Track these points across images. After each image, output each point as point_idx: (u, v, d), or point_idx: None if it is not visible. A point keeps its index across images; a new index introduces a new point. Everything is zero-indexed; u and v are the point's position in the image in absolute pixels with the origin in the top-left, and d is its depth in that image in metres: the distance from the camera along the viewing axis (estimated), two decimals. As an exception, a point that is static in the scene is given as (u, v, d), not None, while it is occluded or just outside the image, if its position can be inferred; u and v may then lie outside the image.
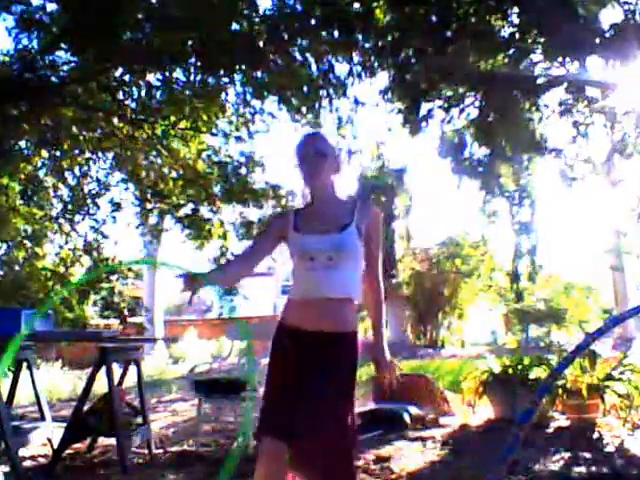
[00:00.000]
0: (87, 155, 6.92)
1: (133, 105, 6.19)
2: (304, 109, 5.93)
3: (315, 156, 2.34)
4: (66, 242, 7.47)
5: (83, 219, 7.22)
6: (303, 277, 2.30)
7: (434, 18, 5.23)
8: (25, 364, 4.04)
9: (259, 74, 5.60)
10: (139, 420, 4.00)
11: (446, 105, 6.40)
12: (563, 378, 4.37)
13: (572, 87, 5.68)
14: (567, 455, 3.60)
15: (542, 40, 5.30)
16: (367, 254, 2.34)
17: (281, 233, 2.40)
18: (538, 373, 4.69)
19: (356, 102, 5.94)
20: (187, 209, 7.33)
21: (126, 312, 7.89)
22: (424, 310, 14.65)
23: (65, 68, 5.73)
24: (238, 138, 6.88)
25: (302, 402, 2.12)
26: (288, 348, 2.26)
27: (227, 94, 6.13)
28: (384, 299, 2.40)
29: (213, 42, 4.94)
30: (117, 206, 7.13)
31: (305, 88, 5.63)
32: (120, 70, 5.76)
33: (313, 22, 5.36)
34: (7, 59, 5.77)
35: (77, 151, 6.69)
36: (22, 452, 3.87)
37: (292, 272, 2.38)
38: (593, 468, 3.30)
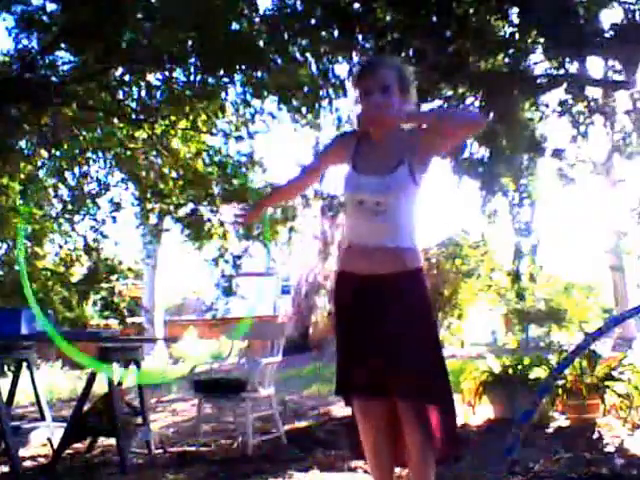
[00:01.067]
0: (87, 155, 6.92)
1: (133, 105, 6.19)
2: (304, 109, 5.93)
3: (380, 94, 2.10)
4: (65, 242, 7.48)
5: (83, 219, 7.22)
6: (353, 221, 2.19)
7: (434, 18, 5.23)
8: (25, 364, 4.03)
9: (259, 74, 5.60)
10: (139, 420, 3.99)
11: (446, 105, 6.39)
12: (563, 378, 4.37)
13: (572, 87, 5.68)
14: (567, 455, 3.59)
15: (542, 40, 5.30)
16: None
17: (342, 156, 2.22)
18: (538, 373, 4.69)
19: (356, 102, 5.93)
20: (187, 209, 7.34)
21: (125, 312, 7.88)
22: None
23: (65, 68, 5.74)
24: (238, 138, 6.88)
25: (378, 351, 2.04)
26: (348, 298, 2.17)
27: (227, 94, 6.14)
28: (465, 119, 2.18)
29: (213, 42, 4.94)
30: (117, 206, 7.13)
31: (305, 88, 5.63)
32: (120, 70, 5.77)
33: (313, 22, 5.36)
34: (7, 59, 5.78)
35: (77, 151, 6.69)
36: (22, 452, 3.86)
37: (345, 210, 2.29)
38: (593, 468, 3.29)
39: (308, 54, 5.52)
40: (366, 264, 2.11)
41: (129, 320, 7.96)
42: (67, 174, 7.09)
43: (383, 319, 2.07)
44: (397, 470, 3.42)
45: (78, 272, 7.81)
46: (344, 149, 2.24)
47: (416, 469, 2.13)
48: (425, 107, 6.34)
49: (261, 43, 5.30)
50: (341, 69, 5.69)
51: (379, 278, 2.09)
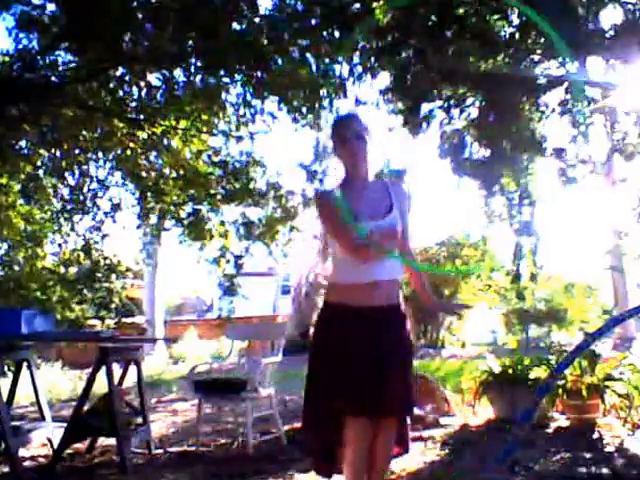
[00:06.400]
0: (87, 155, 6.91)
1: (133, 105, 6.19)
2: (304, 109, 5.92)
3: (357, 141, 2.38)
4: (65, 242, 7.46)
5: (81, 219, 7.21)
6: (352, 262, 2.34)
7: (434, 18, 5.23)
8: (25, 364, 4.03)
9: (259, 74, 5.59)
10: (139, 420, 4.00)
11: (446, 105, 6.41)
12: (563, 378, 4.37)
13: (572, 87, 5.69)
14: (567, 455, 3.59)
15: (542, 40, 5.30)
16: (402, 229, 2.43)
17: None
18: (538, 373, 4.68)
19: (357, 102, 5.93)
20: (187, 209, 7.33)
21: (121, 312, 7.85)
22: (424, 310, 14.61)
23: (65, 68, 5.73)
24: (238, 138, 6.88)
25: (377, 375, 2.27)
26: (343, 325, 2.35)
27: (227, 94, 6.13)
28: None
29: (213, 42, 4.93)
30: (116, 208, 7.12)
31: (305, 88, 5.63)
32: (120, 70, 5.76)
33: (313, 22, 5.36)
34: (7, 59, 5.77)
35: (77, 151, 6.69)
36: (22, 452, 3.86)
37: (335, 254, 2.43)
38: (593, 468, 3.29)
39: (308, 54, 5.52)
40: (364, 296, 2.34)
41: (128, 320, 7.94)
42: (67, 174, 7.08)
43: (382, 346, 2.34)
44: (397, 471, 3.43)
45: (76, 271, 7.80)
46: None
47: (382, 475, 2.46)
48: (425, 107, 6.37)
49: (262, 42, 5.29)
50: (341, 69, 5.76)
51: (374, 309, 2.35)
